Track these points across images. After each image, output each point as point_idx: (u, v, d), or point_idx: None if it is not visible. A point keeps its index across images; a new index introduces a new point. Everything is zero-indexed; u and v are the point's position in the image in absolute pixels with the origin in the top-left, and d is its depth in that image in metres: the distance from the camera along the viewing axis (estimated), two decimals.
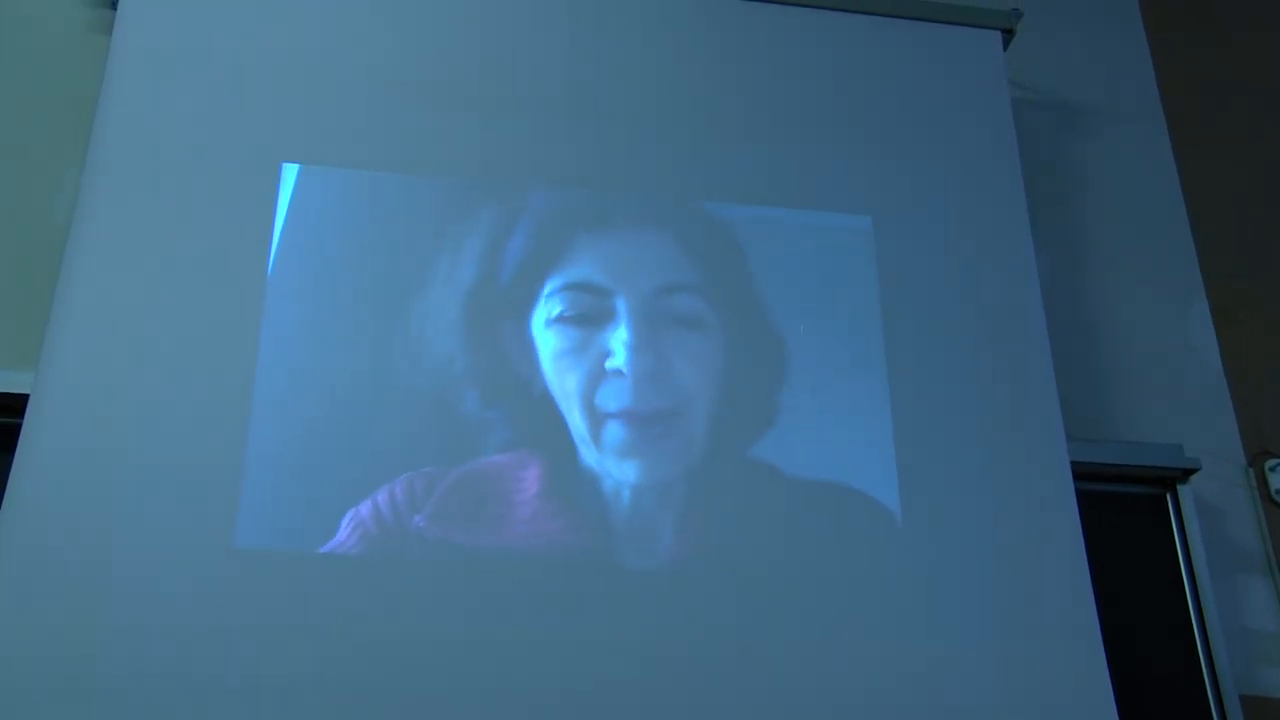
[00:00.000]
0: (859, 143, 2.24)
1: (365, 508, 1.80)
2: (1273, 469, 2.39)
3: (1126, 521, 2.26)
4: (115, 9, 2.08)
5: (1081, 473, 2.13)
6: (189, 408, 1.80)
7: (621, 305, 1.97)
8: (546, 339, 1.95)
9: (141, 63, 2.03)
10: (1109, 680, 1.91)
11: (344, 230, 1.98)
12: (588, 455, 1.89)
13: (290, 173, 1.99)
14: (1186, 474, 2.27)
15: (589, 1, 2.27)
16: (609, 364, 1.93)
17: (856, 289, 2.11)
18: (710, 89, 2.23)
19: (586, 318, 1.96)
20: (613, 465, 1.89)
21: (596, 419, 1.90)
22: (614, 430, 1.90)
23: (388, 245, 1.98)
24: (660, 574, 1.85)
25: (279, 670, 1.69)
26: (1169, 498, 2.28)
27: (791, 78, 2.28)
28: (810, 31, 2.33)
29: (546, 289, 1.98)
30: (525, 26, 2.21)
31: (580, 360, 1.93)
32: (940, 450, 2.01)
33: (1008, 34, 2.46)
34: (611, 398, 1.91)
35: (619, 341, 1.94)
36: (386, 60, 2.12)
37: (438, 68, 2.14)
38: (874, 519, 1.95)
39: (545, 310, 1.96)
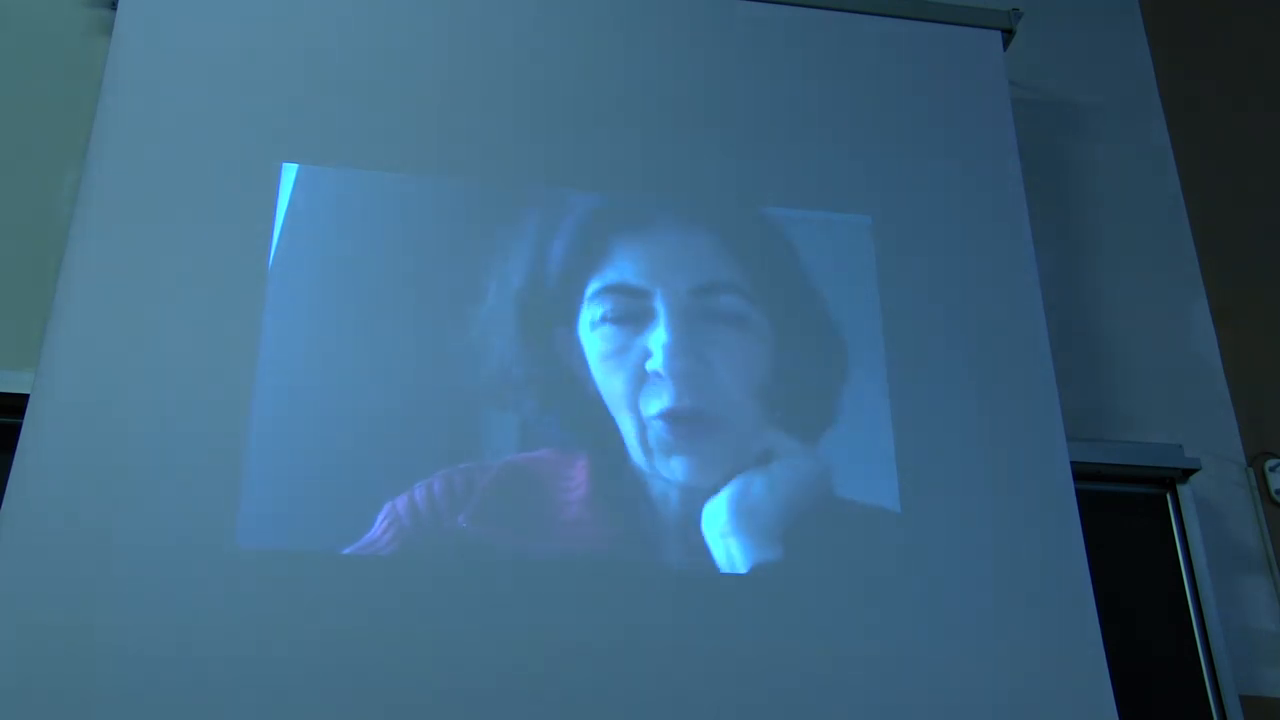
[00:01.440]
0: (859, 143, 2.24)
1: (401, 504, 1.79)
2: (1273, 469, 2.39)
3: (1126, 521, 2.26)
4: (115, 9, 2.08)
5: (1081, 473, 2.13)
6: (188, 407, 1.80)
7: (660, 306, 1.97)
8: (592, 342, 1.95)
9: (141, 63, 2.03)
10: (1109, 680, 1.91)
11: (343, 231, 1.98)
12: (636, 457, 1.89)
13: (290, 173, 1.99)
14: (1186, 474, 2.27)
15: (589, 1, 2.27)
16: (649, 366, 1.93)
17: (855, 290, 2.11)
18: (710, 89, 2.23)
19: (627, 319, 1.97)
20: (661, 467, 1.89)
21: (642, 421, 1.91)
22: (658, 431, 1.90)
23: (386, 246, 1.98)
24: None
25: (281, 670, 1.69)
26: (1169, 498, 2.28)
27: (792, 78, 2.27)
28: (810, 31, 2.33)
29: (589, 292, 1.98)
30: (526, 28, 2.21)
31: (623, 363, 1.94)
32: (940, 450, 2.01)
33: (1008, 34, 2.46)
34: (653, 399, 1.92)
35: (658, 343, 1.94)
36: (387, 60, 2.12)
37: (438, 68, 2.14)
38: (877, 520, 1.95)
39: (589, 314, 1.97)
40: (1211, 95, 2.80)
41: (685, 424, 1.91)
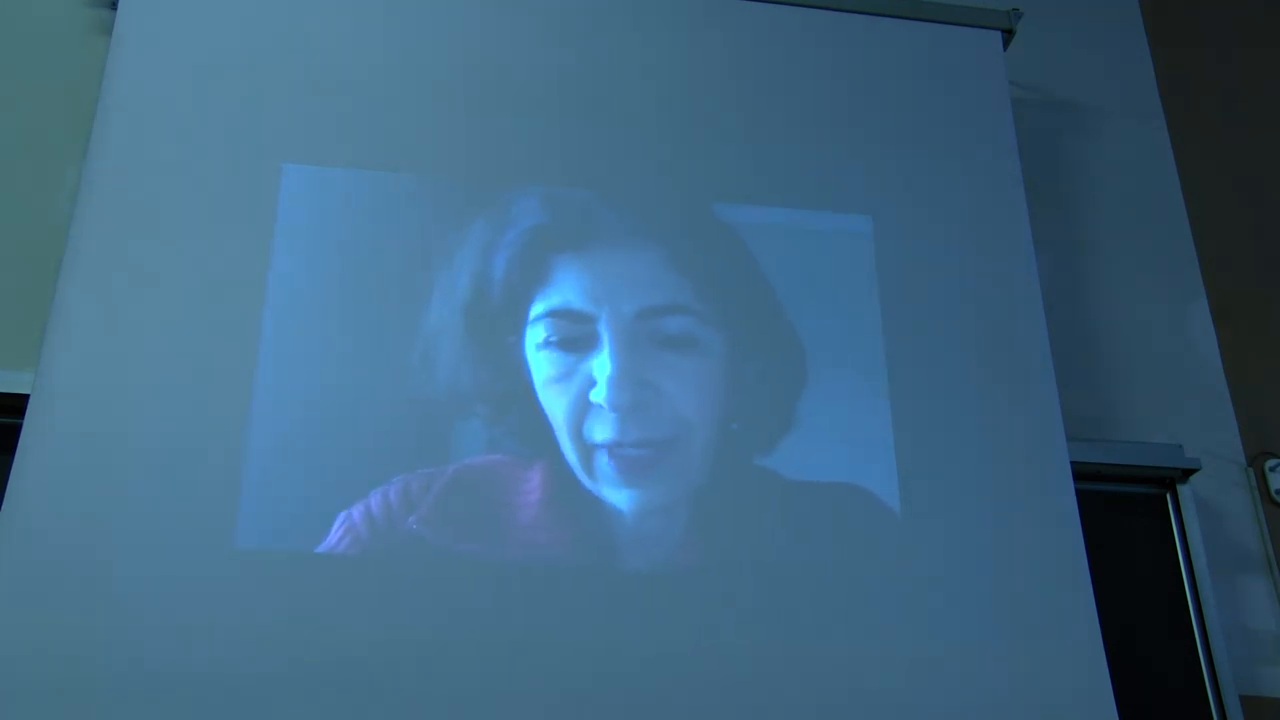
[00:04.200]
0: (859, 143, 2.24)
1: (357, 510, 1.78)
2: (1273, 469, 2.39)
3: (1126, 521, 2.26)
4: (115, 9, 2.08)
5: (1081, 473, 2.13)
6: (189, 408, 1.80)
7: (604, 331, 1.93)
8: (538, 363, 1.92)
9: (141, 63, 2.03)
10: (1109, 680, 1.91)
11: (345, 231, 1.97)
12: (587, 484, 1.86)
13: (291, 173, 1.99)
14: (1186, 474, 2.27)
15: (590, 2, 2.27)
16: (593, 396, 1.89)
17: (856, 289, 2.11)
18: (709, 89, 2.23)
19: (571, 344, 1.92)
20: (608, 494, 1.86)
21: (585, 450, 1.87)
22: (603, 462, 1.87)
23: (388, 246, 1.97)
24: (661, 579, 1.84)
25: (280, 670, 1.69)
26: (1169, 498, 2.28)
27: (791, 78, 2.28)
28: (810, 31, 2.33)
29: (532, 313, 1.95)
30: (525, 27, 2.21)
31: (566, 389, 1.90)
32: (940, 451, 2.01)
33: (1008, 34, 2.46)
34: (597, 430, 1.88)
35: (602, 373, 1.90)
36: (387, 60, 2.12)
37: (438, 68, 2.14)
38: (874, 520, 1.95)
39: (533, 334, 1.93)
40: (1211, 95, 2.80)
41: (630, 458, 1.86)
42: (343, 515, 1.78)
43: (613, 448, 1.87)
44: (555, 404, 1.89)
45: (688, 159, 2.16)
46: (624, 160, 2.13)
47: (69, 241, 1.88)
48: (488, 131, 2.10)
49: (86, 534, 1.70)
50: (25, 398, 1.79)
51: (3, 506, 1.72)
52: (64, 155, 2.16)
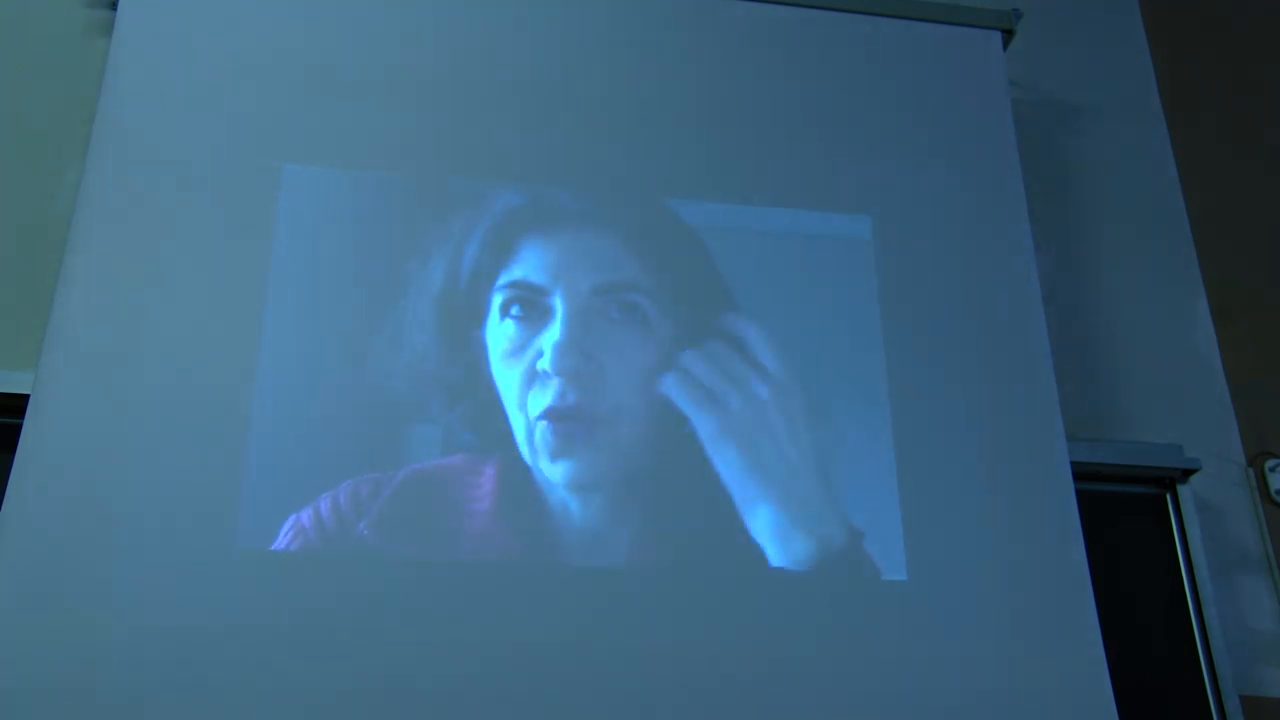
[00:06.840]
0: (858, 142, 2.24)
1: (306, 514, 1.78)
2: (1273, 469, 2.39)
3: (1126, 521, 2.26)
4: (115, 9, 2.08)
5: (1081, 473, 2.13)
6: (189, 408, 1.80)
7: (558, 304, 1.94)
8: (495, 340, 1.93)
9: (141, 63, 2.03)
10: (1109, 680, 1.91)
11: (344, 231, 1.98)
12: (527, 457, 1.87)
13: (290, 174, 1.99)
14: (1186, 474, 2.27)
15: (592, 3, 2.27)
16: (539, 365, 1.90)
17: (854, 290, 2.11)
18: (709, 90, 2.23)
19: (527, 317, 1.94)
20: (545, 467, 1.86)
21: (529, 421, 1.88)
22: (543, 431, 1.87)
23: (388, 246, 1.98)
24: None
25: (280, 671, 1.69)
26: (1169, 498, 2.28)
27: (791, 77, 2.28)
28: (809, 31, 2.33)
29: (495, 289, 1.96)
30: (528, 27, 2.21)
31: (517, 361, 1.92)
32: (940, 451, 2.01)
33: (1008, 34, 2.46)
34: (540, 398, 1.89)
35: (549, 341, 1.91)
36: (387, 61, 2.12)
37: (438, 69, 2.13)
38: (874, 519, 1.94)
39: (494, 310, 1.95)
40: (1211, 95, 2.80)
41: (566, 423, 1.87)
42: (292, 518, 1.77)
43: (551, 415, 1.88)
44: (506, 376, 1.91)
45: (687, 160, 2.15)
46: (623, 161, 2.13)
47: (69, 241, 1.88)
48: (489, 132, 2.10)
49: (87, 534, 1.70)
50: (25, 398, 1.79)
51: (3, 506, 1.72)
52: (64, 155, 2.16)
